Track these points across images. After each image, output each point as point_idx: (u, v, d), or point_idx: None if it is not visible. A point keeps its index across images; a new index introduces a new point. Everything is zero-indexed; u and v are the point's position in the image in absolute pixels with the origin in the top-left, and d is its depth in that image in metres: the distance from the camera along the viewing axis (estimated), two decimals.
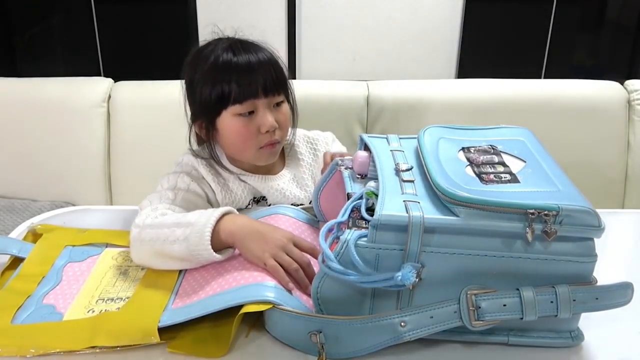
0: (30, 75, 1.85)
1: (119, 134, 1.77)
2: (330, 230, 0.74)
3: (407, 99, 1.76)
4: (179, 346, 0.76)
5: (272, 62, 1.05)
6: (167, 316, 0.78)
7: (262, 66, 1.03)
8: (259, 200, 1.13)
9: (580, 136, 1.76)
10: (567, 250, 0.71)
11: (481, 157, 0.80)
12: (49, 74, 1.85)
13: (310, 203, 1.10)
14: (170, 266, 0.88)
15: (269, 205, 1.11)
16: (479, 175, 0.76)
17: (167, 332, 0.76)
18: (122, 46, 2.12)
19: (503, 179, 0.75)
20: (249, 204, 1.12)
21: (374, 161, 0.84)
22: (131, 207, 1.04)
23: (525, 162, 0.80)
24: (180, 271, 0.88)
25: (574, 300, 0.71)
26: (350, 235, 0.71)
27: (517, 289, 0.71)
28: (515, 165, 0.79)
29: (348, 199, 0.77)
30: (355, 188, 0.84)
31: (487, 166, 0.78)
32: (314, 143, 1.20)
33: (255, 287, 0.79)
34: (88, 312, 0.82)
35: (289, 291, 0.79)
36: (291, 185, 1.13)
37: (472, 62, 2.07)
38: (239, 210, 1.03)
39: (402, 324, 0.72)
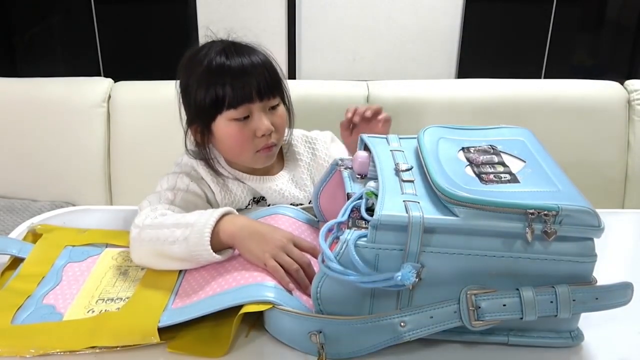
0: (30, 75, 1.85)
1: (119, 134, 1.77)
2: (330, 230, 0.74)
3: (407, 99, 1.76)
4: (179, 346, 0.76)
5: (266, 64, 1.05)
6: (167, 316, 0.78)
7: (255, 69, 1.03)
8: (259, 200, 1.13)
9: (580, 136, 1.76)
10: (567, 250, 0.71)
11: (481, 157, 0.80)
12: (49, 74, 1.85)
13: (309, 203, 1.10)
14: (170, 266, 0.88)
15: (269, 205, 1.11)
16: (478, 175, 0.76)
17: (167, 332, 0.76)
18: (122, 46, 2.12)
19: (503, 179, 0.75)
20: (248, 204, 1.12)
21: (373, 161, 0.84)
22: (131, 207, 1.04)
23: (525, 162, 0.80)
24: (180, 271, 0.88)
25: (574, 300, 0.71)
26: (350, 235, 0.71)
27: (517, 289, 0.71)
28: (515, 165, 0.79)
29: (348, 199, 0.77)
30: (355, 188, 0.84)
31: (487, 166, 0.78)
32: (313, 143, 1.20)
33: (255, 287, 0.79)
34: (88, 312, 0.82)
35: (290, 292, 0.79)
36: (290, 185, 1.13)
37: (472, 62, 2.07)
38: (239, 210, 1.03)
39: (402, 324, 0.72)
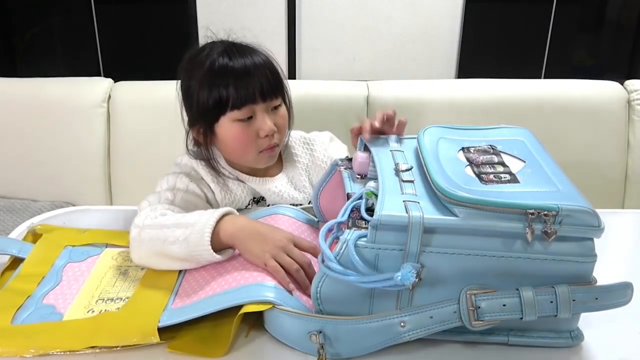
0: (30, 75, 1.85)
1: (119, 134, 1.77)
2: (330, 230, 0.74)
3: (407, 99, 1.76)
4: (179, 346, 0.76)
5: (268, 65, 1.05)
6: (167, 316, 0.78)
7: (258, 70, 1.02)
8: (259, 200, 1.13)
9: (580, 136, 1.76)
10: (567, 250, 0.71)
11: (481, 157, 0.80)
12: (49, 74, 1.85)
13: (309, 203, 1.10)
14: (170, 266, 0.88)
15: (268, 205, 1.11)
16: (478, 176, 0.76)
17: (167, 332, 0.76)
18: (122, 46, 2.12)
19: (503, 179, 0.75)
20: (248, 204, 1.12)
21: (373, 161, 0.84)
22: (131, 207, 1.04)
23: (524, 162, 0.80)
24: (180, 271, 0.88)
25: (574, 300, 0.71)
26: (350, 235, 0.71)
27: (517, 289, 0.71)
28: (514, 165, 0.79)
29: (348, 199, 0.77)
30: (355, 188, 0.84)
31: (487, 166, 0.78)
32: (311, 144, 1.20)
33: (255, 287, 0.79)
34: (88, 312, 0.83)
35: (290, 292, 0.79)
36: (288, 187, 1.13)
37: (472, 62, 2.07)
38: (239, 210, 1.03)
39: (402, 324, 0.72)
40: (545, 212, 0.68)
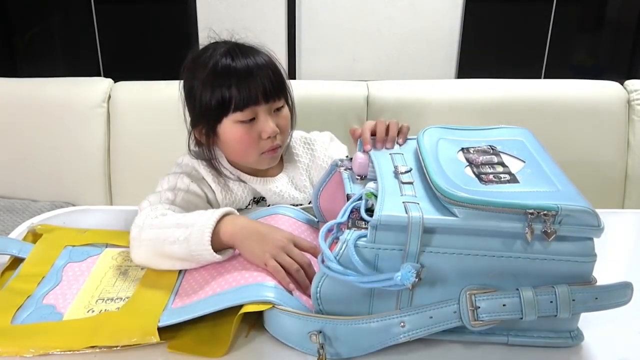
0: (30, 75, 1.84)
1: (119, 134, 1.77)
2: (329, 230, 0.74)
3: (407, 99, 1.76)
4: (179, 346, 0.76)
5: (270, 66, 1.05)
6: (167, 316, 0.78)
7: (261, 71, 1.02)
8: (259, 200, 1.13)
9: (580, 136, 1.76)
10: (567, 250, 0.71)
11: (480, 158, 0.80)
12: (49, 74, 1.85)
13: (309, 203, 1.10)
14: (170, 266, 0.88)
15: (269, 205, 1.11)
16: (478, 176, 0.76)
17: (167, 332, 0.76)
18: (122, 46, 2.12)
19: (502, 179, 0.75)
20: (249, 204, 1.12)
21: (373, 162, 0.84)
22: (131, 207, 1.04)
23: (524, 162, 0.80)
24: (180, 271, 0.88)
25: (574, 300, 0.71)
26: (349, 235, 0.71)
27: (517, 289, 0.71)
28: (514, 166, 0.79)
29: (347, 200, 0.77)
30: (354, 189, 0.84)
31: (487, 166, 0.78)
32: (311, 144, 1.20)
33: (255, 287, 0.79)
34: (88, 312, 0.83)
35: (290, 292, 0.79)
36: (289, 187, 1.13)
37: (472, 62, 2.07)
38: (239, 210, 1.03)
39: (402, 324, 0.72)
40: (545, 212, 0.68)
